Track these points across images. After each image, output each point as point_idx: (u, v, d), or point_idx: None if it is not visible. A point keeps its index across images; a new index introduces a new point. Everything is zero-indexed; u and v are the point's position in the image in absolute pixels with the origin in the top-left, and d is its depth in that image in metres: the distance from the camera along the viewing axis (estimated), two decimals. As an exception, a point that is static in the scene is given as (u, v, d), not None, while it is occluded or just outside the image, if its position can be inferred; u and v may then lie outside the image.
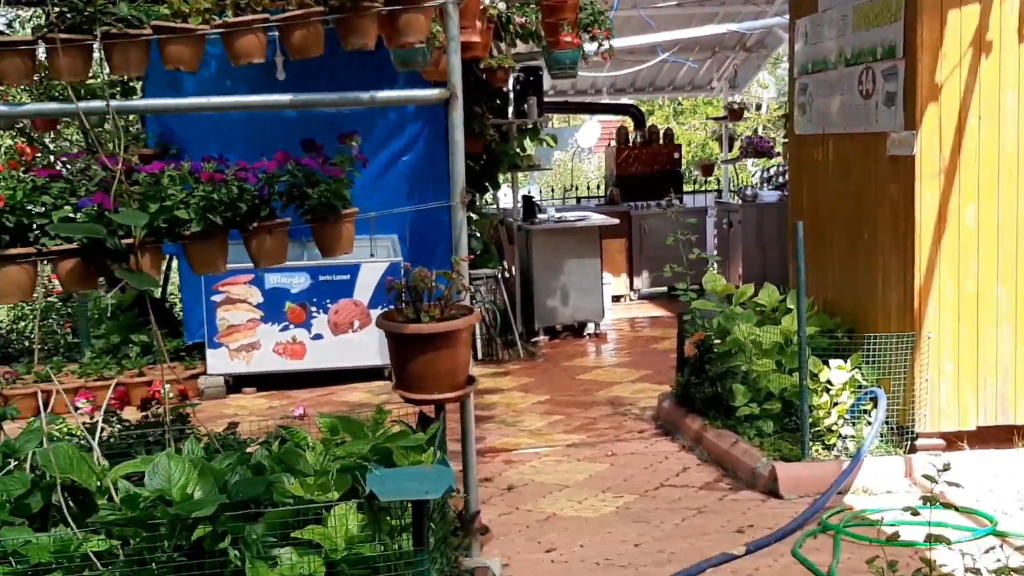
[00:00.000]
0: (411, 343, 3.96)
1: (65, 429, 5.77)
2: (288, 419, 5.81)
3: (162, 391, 4.54)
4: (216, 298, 8.65)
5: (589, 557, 4.77)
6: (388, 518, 3.42)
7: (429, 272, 4.07)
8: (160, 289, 10.11)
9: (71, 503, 3.83)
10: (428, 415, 4.23)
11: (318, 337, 8.75)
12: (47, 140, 11.51)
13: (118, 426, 5.64)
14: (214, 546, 3.15)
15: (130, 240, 3.85)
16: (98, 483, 3.61)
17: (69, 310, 10.09)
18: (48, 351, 10.26)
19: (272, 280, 8.70)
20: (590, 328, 10.76)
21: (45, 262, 3.95)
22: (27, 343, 10.15)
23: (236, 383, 8.81)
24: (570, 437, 6.87)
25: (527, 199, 10.89)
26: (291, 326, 8.73)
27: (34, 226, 3.89)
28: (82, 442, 5.60)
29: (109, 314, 9.49)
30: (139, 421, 5.59)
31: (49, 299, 10.84)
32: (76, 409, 5.81)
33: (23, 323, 10.71)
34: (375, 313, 8.74)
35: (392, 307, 4.14)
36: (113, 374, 8.62)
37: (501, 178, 10.68)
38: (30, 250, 3.86)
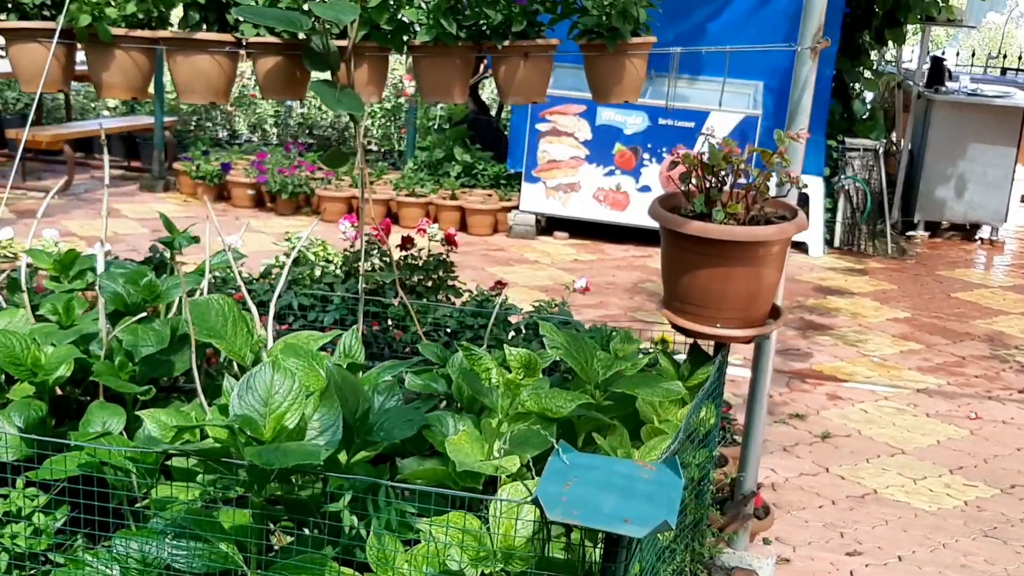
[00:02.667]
0: (692, 248, 2.69)
1: (322, 255, 5.13)
2: (568, 290, 4.78)
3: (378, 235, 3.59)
4: (541, 127, 7.67)
5: (906, 581, 3.38)
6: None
7: (738, 148, 2.73)
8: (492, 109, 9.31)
9: (230, 374, 3.03)
10: (705, 350, 2.97)
11: (645, 189, 7.57)
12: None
13: (378, 261, 4.87)
14: (323, 503, 2.19)
15: (344, 42, 2.84)
16: (254, 356, 2.75)
17: (408, 115, 9.57)
18: (380, 155, 9.91)
19: (605, 116, 7.56)
20: (984, 231, 8.70)
21: (245, 56, 3.05)
22: (365, 143, 9.79)
23: (548, 225, 7.90)
24: (923, 379, 5.29)
25: (936, 61, 8.79)
26: (617, 171, 7.61)
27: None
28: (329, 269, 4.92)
29: (436, 126, 8.84)
30: (397, 263, 4.78)
31: (399, 100, 10.45)
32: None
33: (369, 121, 10.38)
34: (717, 172, 7.39)
35: (679, 188, 2.86)
36: (426, 192, 8.00)
37: (908, 30, 8.64)
38: (225, 37, 2.95)
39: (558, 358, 2.62)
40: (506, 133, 9.32)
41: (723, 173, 2.73)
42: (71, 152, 7.81)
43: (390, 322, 4.60)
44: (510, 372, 2.29)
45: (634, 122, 7.52)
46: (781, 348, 5.57)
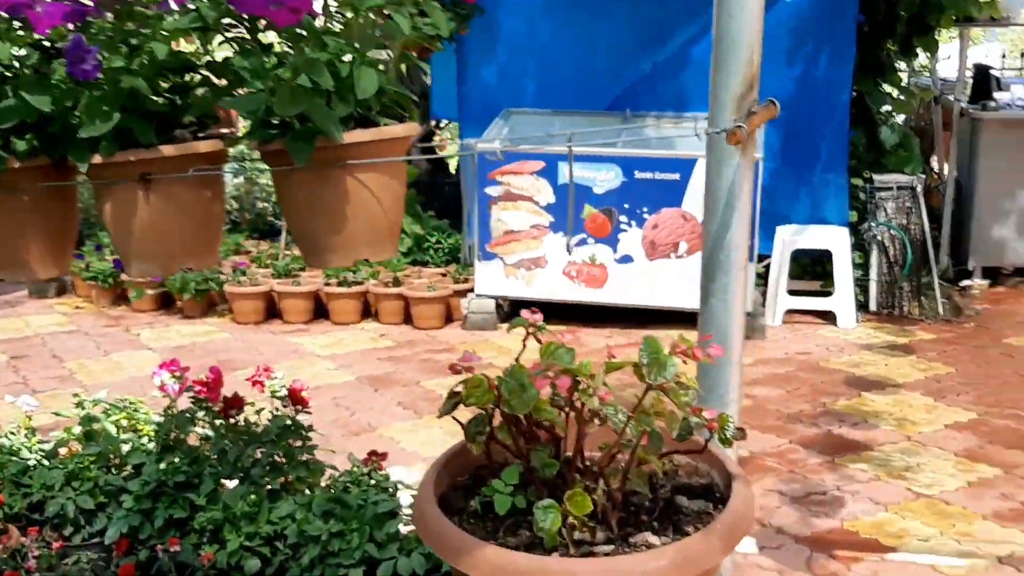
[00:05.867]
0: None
1: (129, 422, 3.66)
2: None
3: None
4: (492, 191, 6.19)
5: None
6: None
7: (567, 373, 1.24)
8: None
9: None
10: None
11: (626, 260, 6.06)
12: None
13: (206, 430, 3.39)
14: None
15: None
16: None
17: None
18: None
19: (568, 173, 6.07)
20: (1058, 275, 7.08)
21: None
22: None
23: (512, 310, 6.39)
24: (1007, 535, 3.69)
25: (982, 70, 7.20)
26: (590, 240, 6.10)
27: None
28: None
29: (377, 194, 7.39)
30: (223, 433, 3.29)
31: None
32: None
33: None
34: (713, 233, 5.84)
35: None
36: (360, 278, 6.54)
37: (942, 35, 7.07)
38: None
39: None
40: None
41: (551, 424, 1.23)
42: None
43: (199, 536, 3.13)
44: None
45: (605, 178, 6.02)
46: (801, 492, 4.02)
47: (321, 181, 1.34)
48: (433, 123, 7.84)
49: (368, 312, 6.54)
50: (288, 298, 6.43)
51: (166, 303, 6.78)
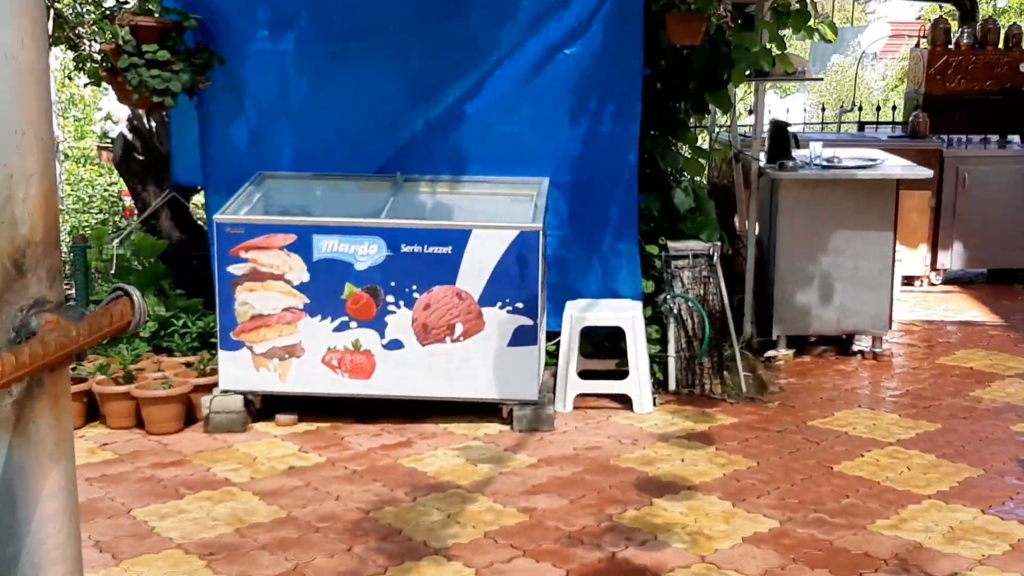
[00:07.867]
0: None
1: None
2: None
3: None
4: (235, 269, 5.31)
5: None
6: None
7: None
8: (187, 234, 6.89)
9: None
10: None
11: (395, 345, 5.27)
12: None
13: None
14: None
15: None
16: None
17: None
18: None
19: (325, 246, 5.26)
20: (863, 342, 6.70)
21: None
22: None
23: (265, 406, 5.49)
24: None
25: (778, 128, 6.81)
26: (353, 323, 5.29)
27: None
28: None
29: (114, 268, 6.36)
30: None
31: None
32: None
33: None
34: (491, 314, 5.18)
35: None
36: (84, 373, 5.51)
37: (737, 90, 6.65)
38: None
39: None
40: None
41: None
42: None
43: None
44: None
45: (367, 252, 5.23)
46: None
47: None
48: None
49: (97, 414, 5.52)
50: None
51: None
